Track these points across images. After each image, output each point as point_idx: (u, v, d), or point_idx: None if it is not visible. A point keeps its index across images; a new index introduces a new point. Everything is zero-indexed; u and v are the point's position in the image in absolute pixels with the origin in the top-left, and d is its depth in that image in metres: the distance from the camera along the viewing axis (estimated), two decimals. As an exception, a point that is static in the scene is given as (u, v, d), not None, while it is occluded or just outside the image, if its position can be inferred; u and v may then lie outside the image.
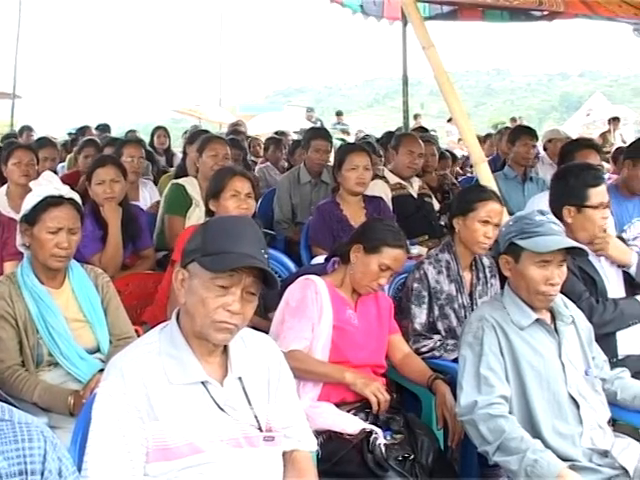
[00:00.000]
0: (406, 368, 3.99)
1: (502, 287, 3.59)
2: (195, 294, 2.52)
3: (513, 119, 21.27)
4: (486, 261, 4.54)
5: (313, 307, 3.73)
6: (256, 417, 2.63)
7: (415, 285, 4.32)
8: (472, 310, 4.28)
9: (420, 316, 4.27)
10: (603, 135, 17.95)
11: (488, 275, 4.51)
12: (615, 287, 4.27)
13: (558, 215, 4.27)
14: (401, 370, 4.00)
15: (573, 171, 4.31)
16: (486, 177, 4.79)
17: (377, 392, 3.60)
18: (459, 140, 16.06)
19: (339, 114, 23.81)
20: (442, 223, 6.00)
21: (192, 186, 5.74)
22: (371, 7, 9.13)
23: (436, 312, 4.31)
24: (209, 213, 4.49)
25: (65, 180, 5.03)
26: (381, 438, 3.41)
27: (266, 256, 2.59)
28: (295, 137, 13.43)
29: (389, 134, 9.78)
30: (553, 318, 3.44)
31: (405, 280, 4.52)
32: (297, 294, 3.79)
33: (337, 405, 3.65)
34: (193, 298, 2.52)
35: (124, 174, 5.28)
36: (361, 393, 3.62)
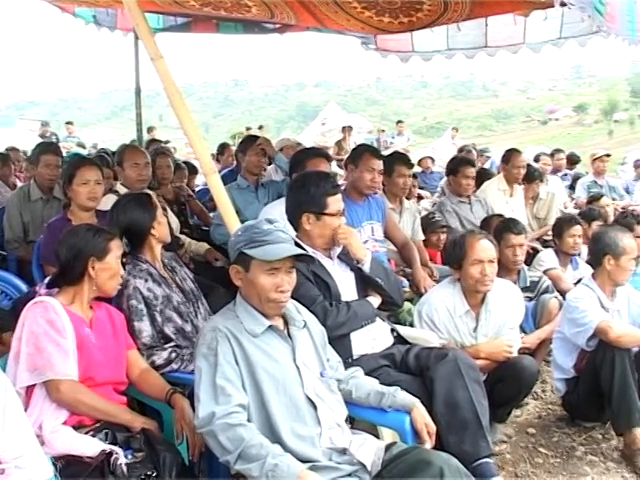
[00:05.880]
0: (144, 384, 3.94)
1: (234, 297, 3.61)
2: None
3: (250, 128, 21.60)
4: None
5: (60, 328, 3.57)
6: (-17, 452, 2.51)
7: (131, 302, 4.26)
8: (189, 301, 4.44)
9: (146, 329, 4.23)
10: (338, 143, 18.71)
11: (179, 264, 4.71)
12: (348, 290, 4.45)
13: (296, 222, 4.38)
14: (139, 386, 3.94)
15: (312, 179, 4.45)
16: (217, 188, 4.79)
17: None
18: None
19: (69, 123, 23.04)
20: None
21: None
22: (104, 18, 8.92)
23: (159, 319, 4.29)
24: None
25: None
26: (122, 458, 3.36)
27: None
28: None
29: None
30: (286, 324, 3.53)
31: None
32: (40, 319, 3.57)
33: (75, 428, 3.53)
34: None
35: None
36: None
